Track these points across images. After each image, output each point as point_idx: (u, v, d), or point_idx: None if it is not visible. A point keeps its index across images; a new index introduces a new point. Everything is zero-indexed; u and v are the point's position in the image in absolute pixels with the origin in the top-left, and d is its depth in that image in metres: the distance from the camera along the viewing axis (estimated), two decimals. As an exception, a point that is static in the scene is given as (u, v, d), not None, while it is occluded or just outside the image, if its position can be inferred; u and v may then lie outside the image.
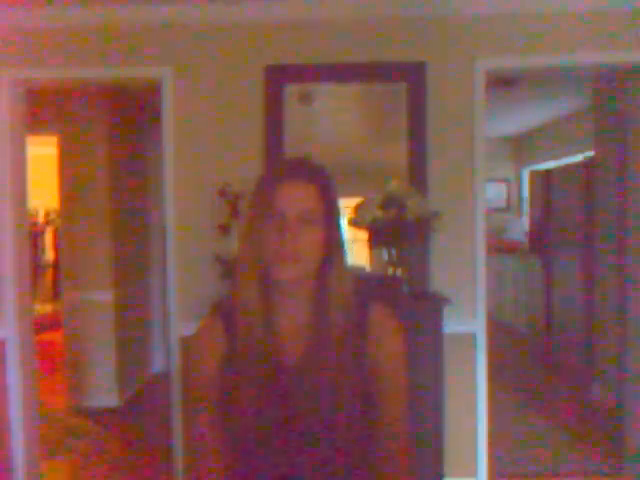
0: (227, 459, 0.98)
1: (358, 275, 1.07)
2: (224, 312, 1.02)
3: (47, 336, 5.78)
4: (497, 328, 5.96)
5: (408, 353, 1.03)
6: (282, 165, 1.06)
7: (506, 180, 7.68)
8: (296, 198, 0.94)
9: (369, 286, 2.30)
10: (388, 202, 2.31)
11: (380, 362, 0.99)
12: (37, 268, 6.85)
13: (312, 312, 0.99)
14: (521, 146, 7.56)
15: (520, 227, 7.11)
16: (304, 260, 0.94)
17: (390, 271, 2.43)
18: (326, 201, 0.97)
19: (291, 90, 2.64)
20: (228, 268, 2.46)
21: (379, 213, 2.28)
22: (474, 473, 2.67)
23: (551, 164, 6.06)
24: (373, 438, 0.99)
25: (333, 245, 0.98)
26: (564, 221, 4.79)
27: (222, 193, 2.51)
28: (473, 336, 2.65)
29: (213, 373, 0.98)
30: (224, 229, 2.52)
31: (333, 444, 0.94)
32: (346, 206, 2.27)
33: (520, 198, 7.59)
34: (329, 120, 2.70)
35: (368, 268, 2.68)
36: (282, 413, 0.93)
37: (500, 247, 6.82)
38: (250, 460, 0.95)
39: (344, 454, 0.95)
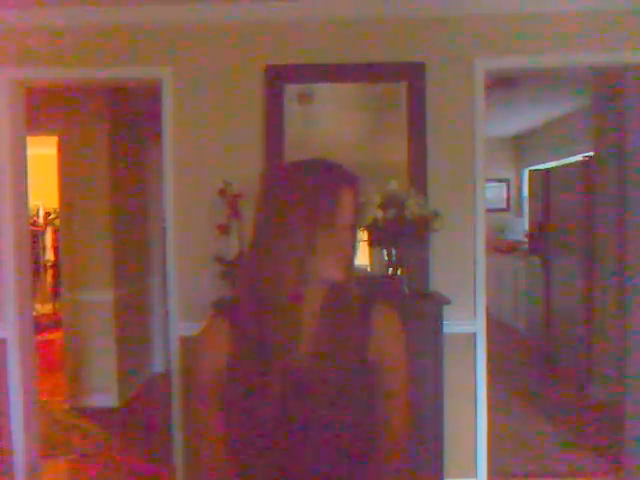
0: (230, 457, 0.99)
1: (359, 275, 1.07)
2: (229, 312, 1.02)
3: (47, 336, 5.79)
4: (497, 328, 5.97)
5: (409, 352, 1.04)
6: (333, 170, 1.00)
7: (506, 180, 7.69)
8: (350, 205, 0.97)
9: (371, 286, 2.30)
10: (388, 202, 2.31)
11: (383, 361, 1.00)
12: (37, 268, 6.84)
13: (318, 312, 0.99)
14: (521, 146, 7.56)
15: (520, 227, 7.11)
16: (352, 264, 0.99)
17: (390, 271, 2.43)
18: (357, 206, 1.01)
19: (291, 90, 2.64)
20: (228, 268, 2.46)
21: (379, 213, 2.28)
22: (474, 473, 2.67)
23: (551, 164, 6.06)
24: (375, 435, 1.00)
25: (354, 248, 1.02)
26: (564, 221, 4.79)
27: (222, 193, 2.51)
28: (473, 336, 2.65)
29: (218, 373, 0.98)
30: (224, 229, 2.52)
31: (337, 443, 0.94)
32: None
33: (520, 198, 7.59)
34: (329, 120, 2.71)
35: (368, 268, 2.68)
36: (287, 413, 0.93)
37: (500, 247, 6.83)
38: (253, 458, 0.96)
39: (348, 452, 0.96)
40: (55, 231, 6.99)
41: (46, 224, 7.35)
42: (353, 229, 0.99)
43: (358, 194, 1.00)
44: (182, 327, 2.65)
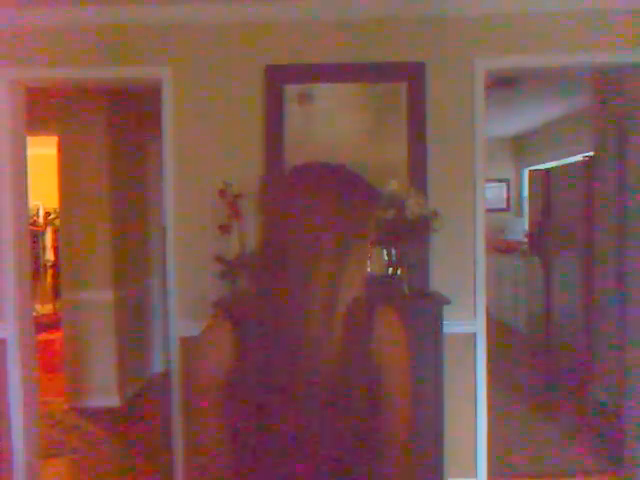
0: (231, 458, 0.99)
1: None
2: (231, 313, 1.02)
3: (47, 336, 5.78)
4: (497, 328, 5.97)
5: (410, 354, 1.04)
6: (371, 186, 1.01)
7: (506, 180, 7.69)
8: (373, 221, 1.00)
9: (371, 286, 2.30)
10: (388, 202, 2.31)
11: (385, 363, 1.00)
12: (37, 268, 6.84)
13: (337, 322, 0.99)
14: (521, 146, 7.56)
15: (520, 227, 7.11)
16: None
17: (390, 271, 2.43)
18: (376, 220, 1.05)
19: (291, 90, 2.64)
20: (228, 268, 2.46)
21: (379, 213, 2.28)
22: (474, 473, 2.67)
23: (551, 164, 6.06)
24: (378, 436, 1.00)
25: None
26: (564, 221, 4.78)
27: (222, 193, 2.51)
28: (473, 336, 2.65)
29: (220, 374, 0.98)
30: (224, 229, 2.52)
31: (341, 441, 0.94)
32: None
33: (520, 198, 7.59)
34: (329, 120, 2.70)
35: (368, 268, 2.68)
36: (291, 412, 0.94)
37: (500, 247, 6.82)
38: (255, 458, 0.96)
39: (350, 452, 0.96)
40: (55, 231, 6.99)
41: (46, 224, 7.34)
42: (370, 241, 1.01)
43: (377, 208, 1.03)
44: (182, 327, 2.65)
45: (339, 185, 0.95)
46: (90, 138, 3.95)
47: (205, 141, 2.68)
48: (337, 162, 1.00)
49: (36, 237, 6.92)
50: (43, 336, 5.62)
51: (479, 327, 2.65)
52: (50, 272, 7.30)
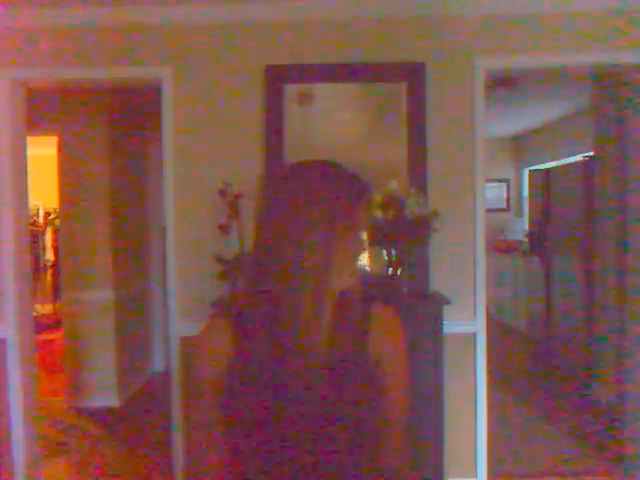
0: (229, 458, 0.99)
1: (360, 275, 1.07)
2: (230, 313, 1.02)
3: (47, 336, 5.79)
4: (497, 328, 5.97)
5: (408, 349, 1.05)
6: (351, 180, 1.00)
7: (506, 180, 7.69)
8: (364, 215, 1.01)
9: (371, 286, 2.30)
10: (388, 202, 2.31)
11: (382, 359, 1.00)
12: (37, 268, 6.85)
13: (329, 316, 0.99)
14: (521, 146, 7.56)
15: (520, 227, 7.11)
16: None
17: (390, 271, 2.43)
18: (368, 214, 1.06)
19: (291, 90, 2.64)
20: (228, 268, 2.46)
21: (379, 213, 2.28)
22: (474, 473, 2.67)
23: (551, 164, 6.06)
24: (375, 433, 1.00)
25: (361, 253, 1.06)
26: (564, 221, 4.79)
27: (222, 193, 2.51)
28: (473, 336, 2.65)
29: (219, 375, 0.98)
30: (224, 229, 2.52)
31: (339, 440, 0.94)
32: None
33: (520, 198, 7.59)
34: (329, 120, 2.70)
35: (368, 268, 2.68)
36: (289, 411, 0.94)
37: (500, 247, 6.83)
38: (254, 455, 0.96)
39: (347, 450, 0.96)
40: (55, 231, 6.99)
41: (46, 224, 7.35)
42: (362, 236, 1.01)
43: (369, 203, 1.03)
44: (182, 327, 2.65)
45: (328, 179, 0.96)
46: (90, 138, 3.95)
47: (205, 141, 2.68)
48: (325, 158, 1.02)
49: (36, 237, 6.92)
50: (43, 336, 5.63)
51: (479, 327, 2.65)
52: (50, 272, 7.31)
